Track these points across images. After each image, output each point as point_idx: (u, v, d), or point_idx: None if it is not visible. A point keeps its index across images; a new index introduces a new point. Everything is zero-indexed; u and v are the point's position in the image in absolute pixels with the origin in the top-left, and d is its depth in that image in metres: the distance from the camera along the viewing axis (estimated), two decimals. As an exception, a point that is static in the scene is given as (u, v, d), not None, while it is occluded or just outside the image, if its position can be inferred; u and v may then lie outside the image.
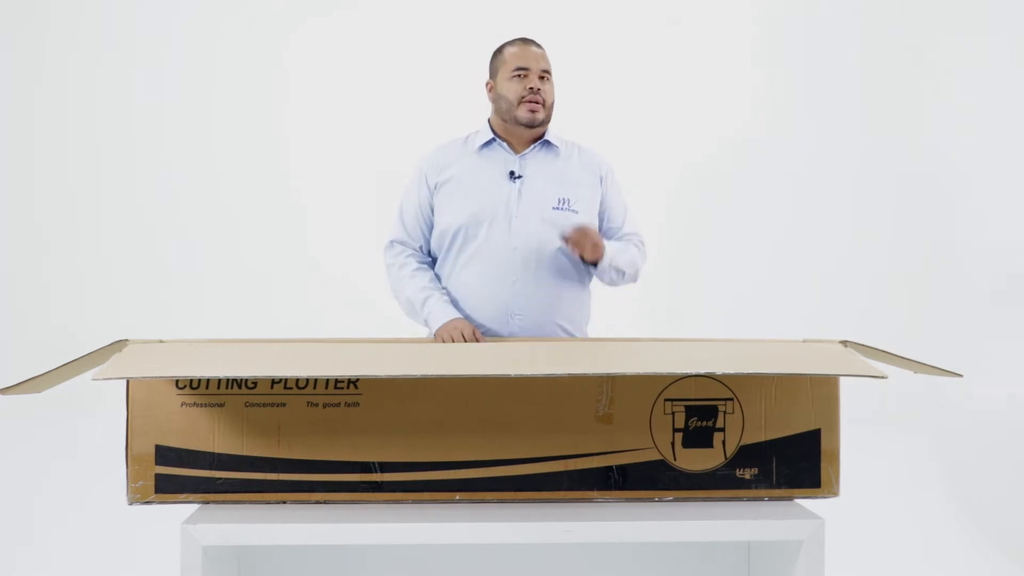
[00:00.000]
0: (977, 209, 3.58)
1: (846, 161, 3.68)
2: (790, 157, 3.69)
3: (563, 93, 2.17)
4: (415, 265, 2.12)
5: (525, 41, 2.12)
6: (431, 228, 2.13)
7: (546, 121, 2.10)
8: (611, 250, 2.05)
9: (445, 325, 1.99)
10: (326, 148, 3.63)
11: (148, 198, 3.56)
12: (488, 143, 2.11)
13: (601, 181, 2.14)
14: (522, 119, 2.06)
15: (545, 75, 2.08)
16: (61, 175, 3.55)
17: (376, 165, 3.47)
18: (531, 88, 2.05)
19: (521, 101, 2.05)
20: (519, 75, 2.06)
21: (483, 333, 2.04)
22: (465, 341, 1.93)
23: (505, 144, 2.11)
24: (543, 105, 2.06)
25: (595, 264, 2.04)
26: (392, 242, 2.16)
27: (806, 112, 3.69)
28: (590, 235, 1.98)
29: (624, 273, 2.10)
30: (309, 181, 3.62)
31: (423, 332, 2.18)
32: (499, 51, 2.14)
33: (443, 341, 1.94)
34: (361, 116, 3.63)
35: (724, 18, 3.72)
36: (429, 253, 2.17)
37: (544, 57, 2.10)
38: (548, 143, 2.12)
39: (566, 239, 1.98)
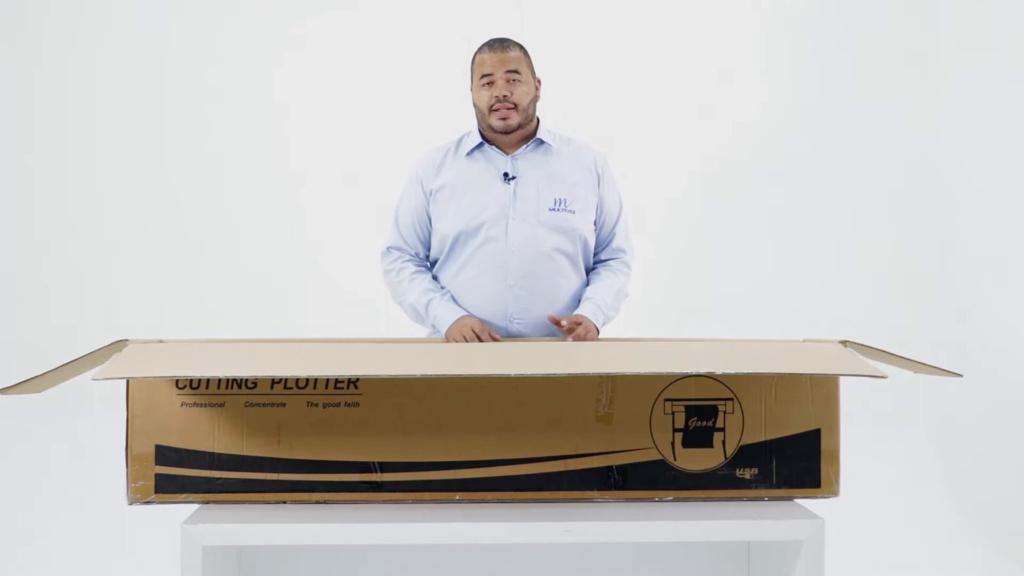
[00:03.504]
0: (978, 208, 3.58)
1: (847, 161, 3.68)
2: (790, 157, 3.69)
3: (565, 94, 2.14)
4: (413, 269, 2.11)
5: (491, 44, 2.06)
6: (428, 233, 2.13)
7: (524, 123, 2.05)
8: (603, 317, 2.03)
9: (454, 325, 1.97)
10: (326, 148, 3.63)
11: (148, 198, 3.55)
12: (479, 146, 2.09)
13: (599, 180, 2.12)
14: (496, 128, 2.03)
15: (513, 76, 2.02)
16: (61, 175, 3.55)
17: (376, 165, 3.47)
18: (497, 96, 2.01)
19: (490, 110, 2.02)
20: (485, 83, 2.03)
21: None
22: (479, 339, 1.91)
23: (495, 146, 2.09)
24: (515, 109, 2.01)
25: None
26: (389, 248, 2.15)
27: (807, 112, 3.69)
28: (586, 333, 1.94)
29: (618, 311, 2.12)
30: (309, 181, 3.61)
31: (423, 332, 2.18)
32: (472, 57, 2.10)
33: (456, 341, 1.92)
34: (361, 116, 3.63)
35: (726, 18, 3.72)
36: (427, 258, 2.16)
37: (512, 58, 2.03)
38: (540, 140, 2.09)
39: (562, 327, 1.94)
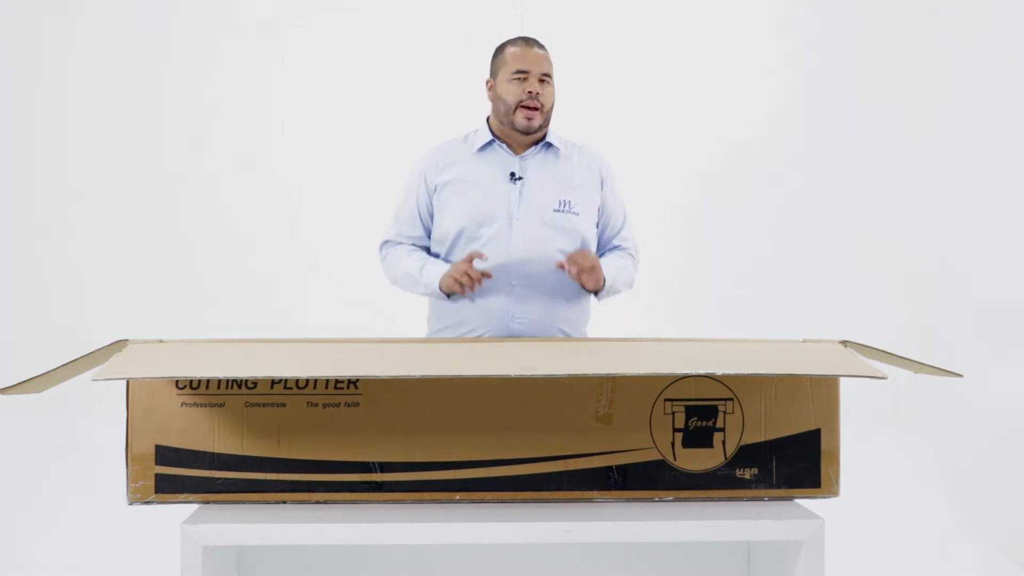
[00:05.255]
0: (978, 208, 3.58)
1: (847, 161, 3.68)
2: (790, 157, 3.69)
3: (564, 92, 2.15)
4: (408, 247, 2.13)
5: (527, 41, 2.07)
6: (428, 229, 2.13)
7: (544, 126, 2.06)
8: (611, 275, 2.05)
9: (445, 275, 1.99)
10: (326, 148, 3.63)
11: (148, 198, 3.56)
12: (488, 144, 2.09)
13: (601, 183, 2.12)
14: (519, 126, 2.03)
15: (545, 78, 2.03)
16: (61, 175, 3.55)
17: (376, 165, 3.48)
18: (530, 92, 2.01)
19: (519, 106, 2.01)
20: (519, 78, 2.02)
21: (482, 335, 2.03)
22: (469, 278, 1.94)
23: (504, 145, 2.09)
24: (540, 111, 2.02)
25: (596, 292, 2.06)
26: (385, 242, 2.17)
27: (806, 111, 3.69)
28: (592, 260, 1.97)
29: (620, 292, 2.13)
30: (309, 181, 3.62)
31: (423, 332, 2.18)
32: (500, 49, 2.10)
33: (451, 287, 1.97)
34: (361, 116, 3.63)
35: (725, 15, 3.72)
36: (427, 250, 2.16)
37: (546, 59, 2.05)
38: (548, 144, 2.10)
39: (567, 261, 1.97)
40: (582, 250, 2.00)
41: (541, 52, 2.06)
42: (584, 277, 1.98)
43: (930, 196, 3.64)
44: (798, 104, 3.69)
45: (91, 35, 3.57)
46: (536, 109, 2.02)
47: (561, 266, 1.98)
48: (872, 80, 3.67)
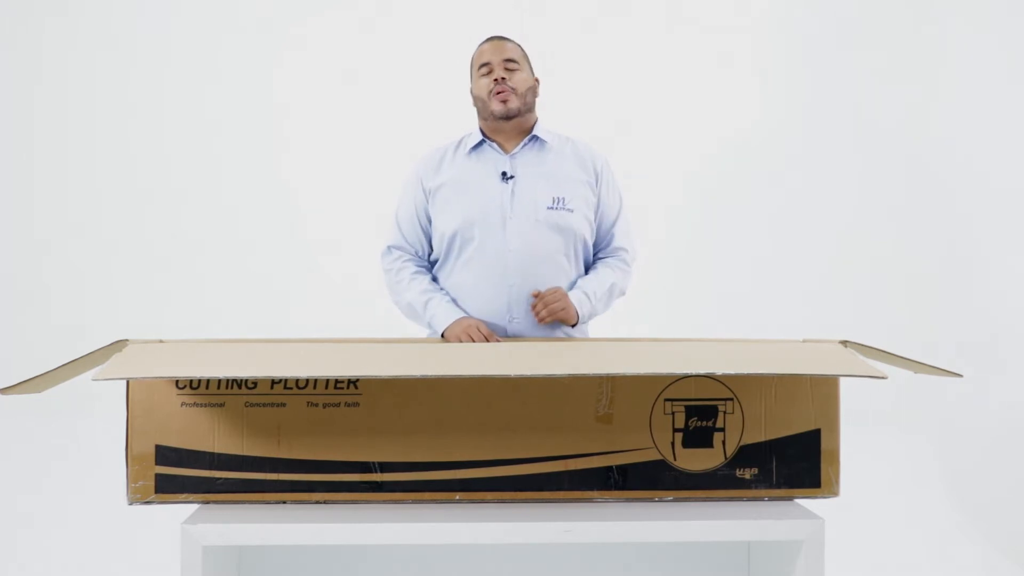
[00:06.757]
0: (978, 208, 3.58)
1: (846, 161, 3.68)
2: (790, 157, 3.69)
3: (565, 92, 2.15)
4: (413, 269, 2.11)
5: (489, 39, 2.13)
6: (427, 233, 2.13)
7: (523, 110, 2.08)
8: (588, 305, 2.03)
9: (453, 326, 1.97)
10: (326, 148, 3.64)
11: (148, 198, 3.56)
12: (478, 145, 2.11)
13: (597, 178, 2.12)
14: (496, 112, 2.05)
15: (511, 64, 2.07)
16: (61, 175, 3.56)
17: (376, 164, 3.48)
18: (495, 80, 2.05)
19: (490, 95, 2.05)
20: (484, 71, 2.08)
21: (482, 334, 2.03)
22: (484, 340, 1.92)
23: (495, 145, 2.10)
24: (514, 93, 2.05)
25: (573, 325, 2.03)
26: (389, 248, 2.15)
27: (806, 111, 3.69)
28: (550, 305, 1.96)
29: (608, 306, 2.11)
30: (309, 181, 3.62)
31: (423, 332, 2.18)
32: (472, 56, 2.16)
33: (459, 341, 1.93)
34: (361, 116, 3.63)
35: (725, 15, 3.72)
36: (428, 257, 2.16)
37: (508, 48, 2.09)
38: (537, 139, 2.11)
39: (538, 301, 1.97)
40: (552, 288, 1.98)
41: (503, 43, 2.11)
42: (551, 318, 1.97)
43: (930, 196, 3.64)
44: (798, 104, 3.69)
45: (91, 35, 3.57)
46: (508, 92, 2.05)
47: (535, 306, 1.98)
48: (872, 80, 3.67)
